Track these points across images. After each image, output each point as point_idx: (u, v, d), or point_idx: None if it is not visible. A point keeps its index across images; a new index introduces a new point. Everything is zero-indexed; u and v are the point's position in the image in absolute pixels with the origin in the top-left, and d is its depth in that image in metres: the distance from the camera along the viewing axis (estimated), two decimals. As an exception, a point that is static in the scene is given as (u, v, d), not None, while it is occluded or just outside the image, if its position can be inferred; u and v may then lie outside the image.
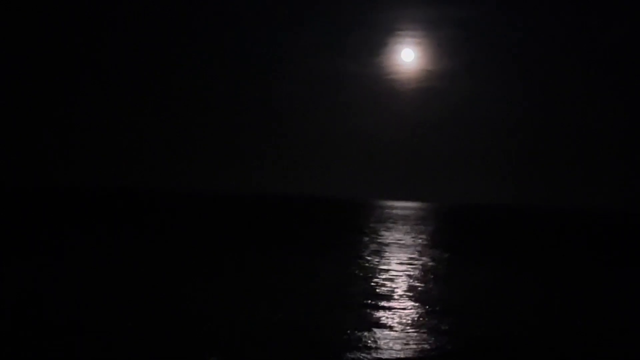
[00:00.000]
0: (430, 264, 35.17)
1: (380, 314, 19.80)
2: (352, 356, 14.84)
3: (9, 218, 59.15)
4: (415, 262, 35.61)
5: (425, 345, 16.13)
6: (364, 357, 14.87)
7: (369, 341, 16.23)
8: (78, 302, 19.69)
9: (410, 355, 15.24)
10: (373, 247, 44.50)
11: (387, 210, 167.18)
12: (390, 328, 17.87)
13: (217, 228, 59.63)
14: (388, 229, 70.29)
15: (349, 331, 17.16)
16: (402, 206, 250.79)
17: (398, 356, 15.14)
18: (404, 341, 16.43)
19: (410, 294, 23.85)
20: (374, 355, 15.07)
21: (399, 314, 19.86)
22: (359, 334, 16.95)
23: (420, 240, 54.07)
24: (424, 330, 17.75)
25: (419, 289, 25.47)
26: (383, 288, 25.06)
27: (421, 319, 19.35)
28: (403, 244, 48.89)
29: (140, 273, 26.71)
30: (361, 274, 29.15)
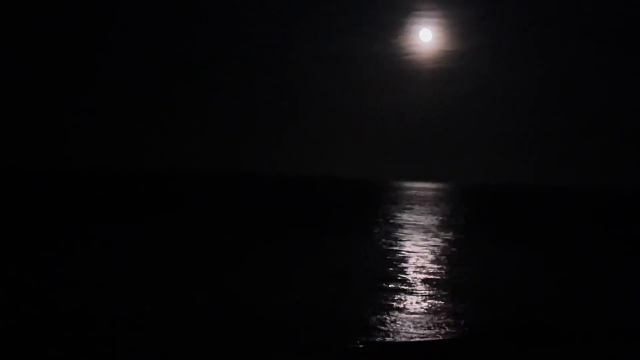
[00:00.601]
0: (446, 245, 35.12)
1: (396, 296, 19.83)
2: (369, 339, 14.93)
3: (22, 204, 59.77)
4: (431, 244, 35.57)
5: (441, 329, 16.18)
6: (380, 340, 14.94)
7: (385, 324, 16.29)
8: (106, 290, 19.93)
9: (426, 339, 15.29)
10: (389, 228, 44.48)
11: (404, 192, 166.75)
12: (406, 311, 17.91)
13: (233, 211, 59.85)
14: (404, 211, 70.17)
15: (364, 314, 17.24)
16: (419, 187, 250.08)
17: (414, 339, 15.20)
18: (420, 324, 16.48)
19: (426, 277, 23.85)
20: (390, 338, 15.14)
21: (414, 297, 19.88)
22: (375, 317, 17.02)
23: (436, 222, 53.94)
24: (440, 313, 17.77)
25: (435, 271, 25.46)
26: (398, 270, 25.09)
27: (437, 302, 19.36)
28: (419, 225, 48.81)
29: (158, 258, 26.97)
30: (376, 257, 29.18)
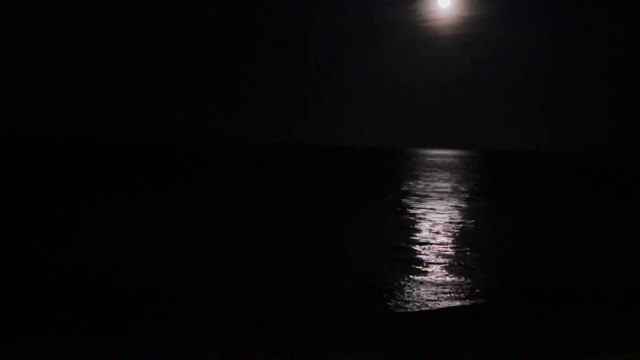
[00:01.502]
0: (463, 212, 34.83)
1: (410, 265, 19.62)
2: (383, 309, 14.82)
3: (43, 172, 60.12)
4: (448, 210, 35.30)
5: (457, 297, 16.01)
6: (395, 309, 14.83)
7: (398, 293, 16.14)
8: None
9: (446, 305, 15.14)
10: (406, 196, 44.21)
11: (422, 159, 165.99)
12: (421, 279, 17.71)
13: (251, 180, 59.85)
14: (424, 177, 69.81)
15: (378, 284, 17.10)
16: (438, 154, 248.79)
17: (434, 306, 15.05)
18: (436, 292, 16.31)
19: (441, 244, 23.63)
20: (405, 307, 15.01)
21: (430, 265, 19.68)
22: (389, 285, 16.87)
23: (453, 189, 53.57)
24: (455, 281, 17.58)
25: (450, 238, 25.23)
26: (412, 238, 24.87)
27: (457, 268, 19.16)
28: (436, 192, 48.47)
29: (177, 230, 26.98)
30: (396, 224, 28.98)
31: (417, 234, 26.00)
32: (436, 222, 30.21)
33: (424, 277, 18.00)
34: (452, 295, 16.14)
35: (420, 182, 62.54)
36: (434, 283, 17.30)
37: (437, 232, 26.65)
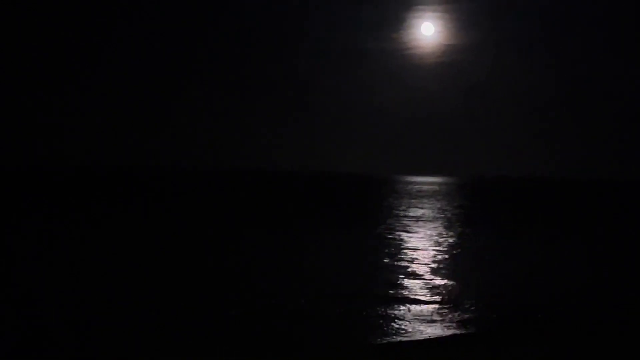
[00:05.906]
0: (453, 239, 34.75)
1: (401, 292, 19.49)
2: (376, 339, 14.64)
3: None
4: (435, 237, 35.21)
5: (449, 325, 15.85)
6: (388, 339, 14.65)
7: (391, 322, 15.96)
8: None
9: (433, 336, 14.99)
10: (393, 222, 44.09)
11: (407, 186, 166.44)
12: (413, 308, 17.56)
13: (236, 207, 59.55)
14: (409, 205, 69.81)
15: (370, 312, 16.92)
16: (422, 181, 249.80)
17: (422, 337, 14.89)
18: (427, 321, 16.15)
19: (431, 272, 23.49)
20: (398, 336, 14.84)
21: (421, 293, 19.54)
22: (381, 314, 16.70)
23: (442, 216, 53.56)
24: (446, 309, 17.43)
25: (439, 266, 25.10)
26: (402, 265, 24.72)
27: (443, 297, 19.01)
28: (422, 219, 48.42)
29: (165, 257, 26.73)
30: (383, 251, 28.80)
31: (407, 260, 25.84)
32: (426, 248, 30.08)
33: (413, 306, 17.84)
34: (445, 324, 15.99)
35: (407, 208, 62.50)
36: (426, 311, 17.15)
37: (428, 259, 26.52)
